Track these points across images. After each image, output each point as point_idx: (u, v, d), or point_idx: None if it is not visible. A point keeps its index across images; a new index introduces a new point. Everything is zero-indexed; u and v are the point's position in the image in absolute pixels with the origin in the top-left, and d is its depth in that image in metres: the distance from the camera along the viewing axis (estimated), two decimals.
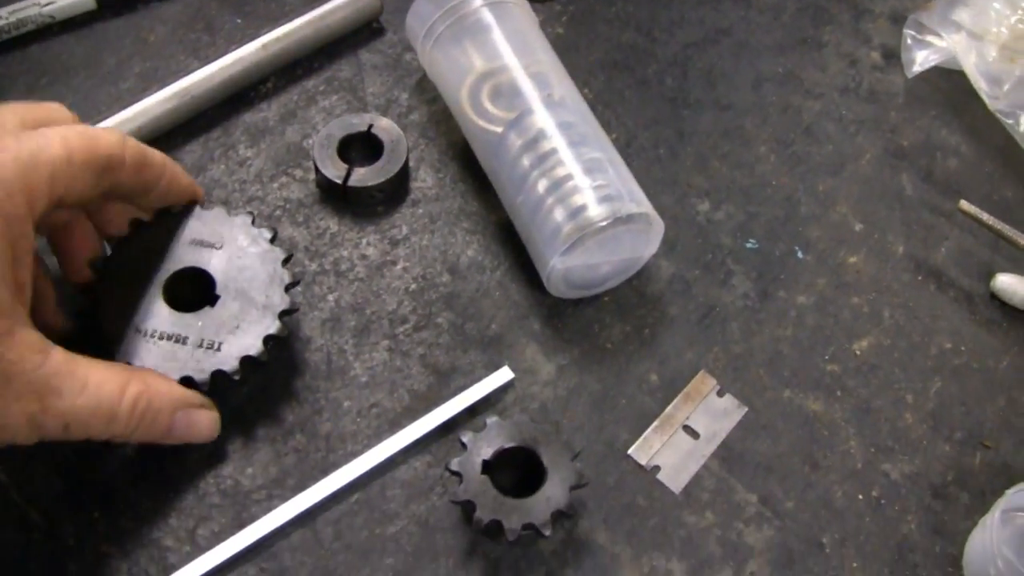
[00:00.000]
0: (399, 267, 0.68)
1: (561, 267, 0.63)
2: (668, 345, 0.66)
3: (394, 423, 0.62)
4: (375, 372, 0.64)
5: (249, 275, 0.60)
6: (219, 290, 0.59)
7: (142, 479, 0.58)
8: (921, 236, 0.73)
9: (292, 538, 0.57)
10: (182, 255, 0.60)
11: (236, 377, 0.57)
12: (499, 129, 0.67)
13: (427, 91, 0.75)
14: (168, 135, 0.71)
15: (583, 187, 0.63)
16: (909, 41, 0.81)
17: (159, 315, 0.58)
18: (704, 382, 0.65)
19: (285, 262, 0.60)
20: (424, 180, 0.72)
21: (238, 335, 0.58)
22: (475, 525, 0.56)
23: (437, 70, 0.71)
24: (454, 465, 0.57)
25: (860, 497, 0.62)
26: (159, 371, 0.55)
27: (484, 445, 0.58)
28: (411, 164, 0.72)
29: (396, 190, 0.70)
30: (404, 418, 0.62)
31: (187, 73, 0.73)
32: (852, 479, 0.63)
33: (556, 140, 0.65)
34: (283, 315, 0.59)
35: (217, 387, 0.57)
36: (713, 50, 0.81)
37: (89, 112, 0.71)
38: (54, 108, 0.55)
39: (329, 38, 0.77)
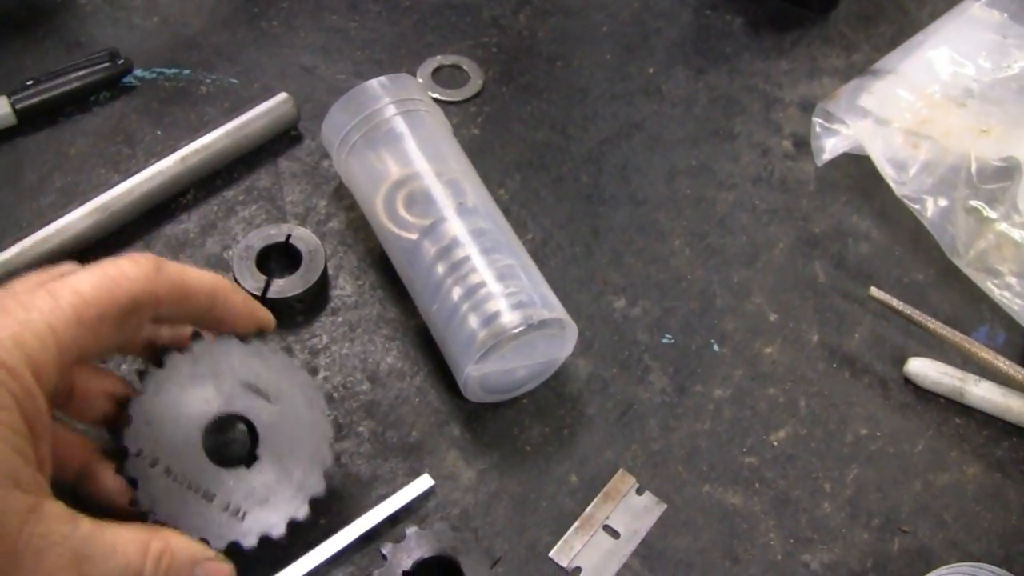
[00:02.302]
0: (320, 377, 0.68)
1: (477, 374, 0.64)
2: (587, 445, 0.67)
3: (317, 535, 0.62)
4: None
5: (294, 444, 0.57)
6: (260, 450, 0.56)
7: None
8: (835, 323, 0.74)
9: None
10: (232, 397, 0.56)
11: (250, 554, 0.54)
12: (414, 236, 0.68)
13: (345, 198, 0.76)
14: (90, 249, 0.72)
15: (496, 294, 0.64)
16: (818, 129, 0.83)
17: (193, 462, 0.54)
18: (623, 480, 0.66)
19: (332, 442, 0.59)
20: (343, 288, 0.72)
21: (265, 509, 0.55)
22: None
23: (353, 178, 0.73)
24: None
25: None
26: (180, 524, 0.53)
27: (404, 556, 0.59)
28: (330, 272, 0.73)
29: (315, 299, 0.71)
30: (327, 530, 0.62)
31: (108, 187, 0.73)
32: (772, 571, 0.63)
33: (469, 247, 0.66)
34: (313, 502, 0.57)
35: (225, 552, 0.54)
36: (627, 145, 0.83)
37: (10, 228, 0.71)
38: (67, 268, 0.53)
39: (247, 148, 0.78)
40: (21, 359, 0.46)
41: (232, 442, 0.57)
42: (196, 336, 0.57)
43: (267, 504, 0.55)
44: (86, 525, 0.48)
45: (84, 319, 0.49)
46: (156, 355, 0.56)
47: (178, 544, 0.52)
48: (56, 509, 0.47)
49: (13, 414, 0.46)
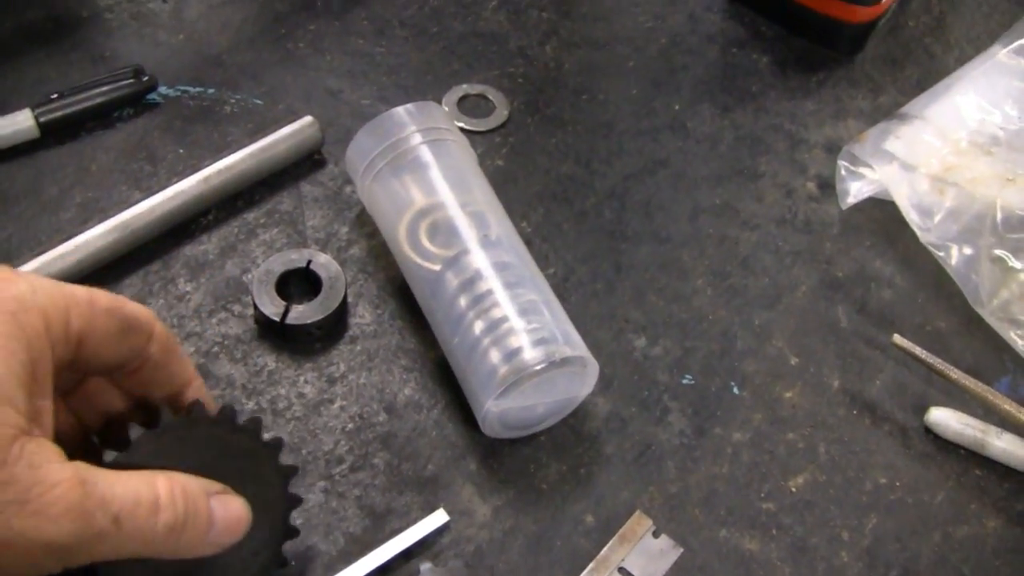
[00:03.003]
0: (336, 406, 0.68)
1: (496, 410, 0.63)
2: (604, 485, 0.66)
3: (329, 567, 0.61)
4: (311, 514, 0.63)
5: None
6: None
7: None
8: (856, 369, 0.74)
9: None
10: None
11: None
12: (437, 267, 0.67)
13: (367, 224, 0.76)
14: (108, 268, 0.71)
15: (518, 329, 0.63)
16: (843, 172, 0.82)
17: None
18: (640, 522, 0.65)
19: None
20: (362, 316, 0.72)
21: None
22: None
23: (376, 205, 0.72)
24: None
25: None
26: None
27: None
28: (350, 300, 0.72)
29: (334, 327, 0.71)
30: (339, 562, 0.61)
31: (128, 205, 0.73)
32: None
33: (492, 281, 0.65)
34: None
35: None
36: (651, 181, 0.82)
37: (29, 243, 0.71)
38: None
39: (271, 170, 0.77)
40: (36, 306, 0.45)
41: None
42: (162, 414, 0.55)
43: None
44: (82, 462, 0.46)
45: (95, 303, 0.49)
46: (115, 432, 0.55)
47: (186, 478, 0.49)
48: (54, 446, 0.45)
49: (20, 344, 0.44)
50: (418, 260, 0.68)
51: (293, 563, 0.60)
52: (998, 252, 0.78)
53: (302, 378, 0.68)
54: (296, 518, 0.60)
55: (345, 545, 0.62)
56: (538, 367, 0.62)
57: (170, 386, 0.54)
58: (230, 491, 0.52)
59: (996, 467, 0.70)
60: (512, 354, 0.62)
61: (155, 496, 0.47)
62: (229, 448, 0.54)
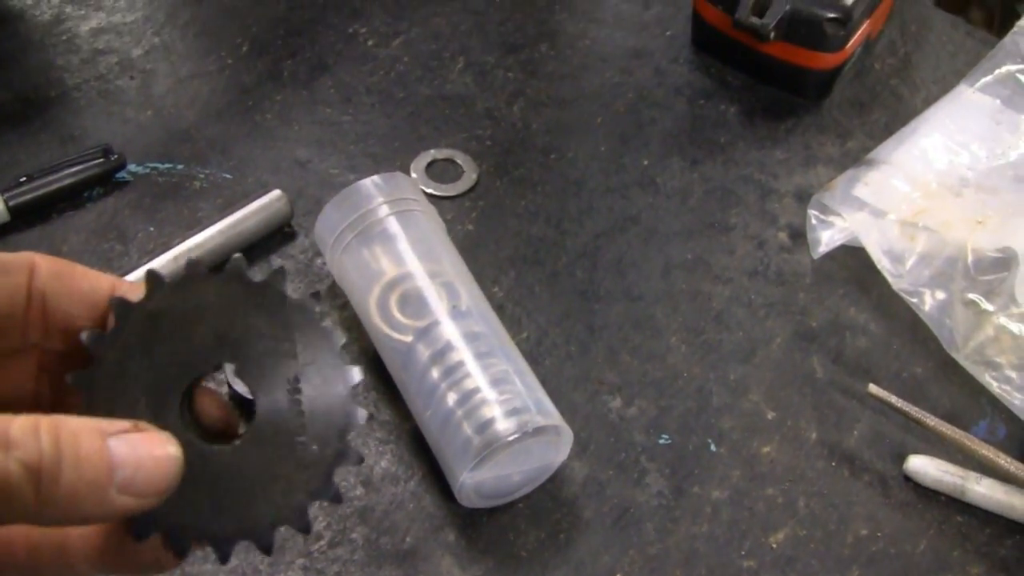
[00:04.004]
0: None
1: (471, 481, 0.63)
2: (584, 550, 0.66)
3: None
4: None
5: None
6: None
7: None
8: (833, 420, 0.74)
9: None
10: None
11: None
12: (408, 339, 0.67)
13: (338, 296, 0.76)
14: None
15: (491, 400, 0.63)
16: (813, 221, 0.83)
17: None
18: None
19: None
20: None
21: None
22: None
23: (346, 277, 0.72)
24: None
25: None
26: None
27: None
28: None
29: None
30: None
31: None
32: None
33: (463, 352, 0.65)
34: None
35: None
36: (622, 238, 0.83)
37: None
38: None
39: (241, 245, 0.77)
40: None
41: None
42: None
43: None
44: None
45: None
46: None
47: (76, 420, 0.39)
48: None
49: None
50: (389, 332, 0.68)
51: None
52: (971, 296, 0.78)
53: None
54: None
55: None
56: (511, 438, 0.62)
57: (87, 306, 0.45)
58: (149, 427, 0.40)
59: (977, 512, 0.70)
60: (485, 425, 0.62)
61: (3, 430, 0.37)
62: (243, 313, 0.42)
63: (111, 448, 0.38)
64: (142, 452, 0.39)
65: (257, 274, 0.43)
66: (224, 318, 0.42)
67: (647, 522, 0.68)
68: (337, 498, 0.42)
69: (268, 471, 0.41)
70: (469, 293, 0.69)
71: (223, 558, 0.41)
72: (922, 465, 0.71)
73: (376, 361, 0.72)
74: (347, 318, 0.75)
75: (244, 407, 0.46)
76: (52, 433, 0.37)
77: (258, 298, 0.42)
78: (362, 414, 0.43)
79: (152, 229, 0.79)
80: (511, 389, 0.64)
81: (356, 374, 0.44)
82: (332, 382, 0.43)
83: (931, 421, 0.71)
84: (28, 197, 0.79)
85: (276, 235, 0.80)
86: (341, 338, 0.44)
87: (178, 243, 0.76)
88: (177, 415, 0.41)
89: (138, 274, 0.73)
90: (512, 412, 0.63)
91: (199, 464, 0.40)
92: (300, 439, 0.42)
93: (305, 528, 0.42)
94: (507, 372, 0.65)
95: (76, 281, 0.45)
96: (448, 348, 0.66)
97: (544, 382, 0.67)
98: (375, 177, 0.73)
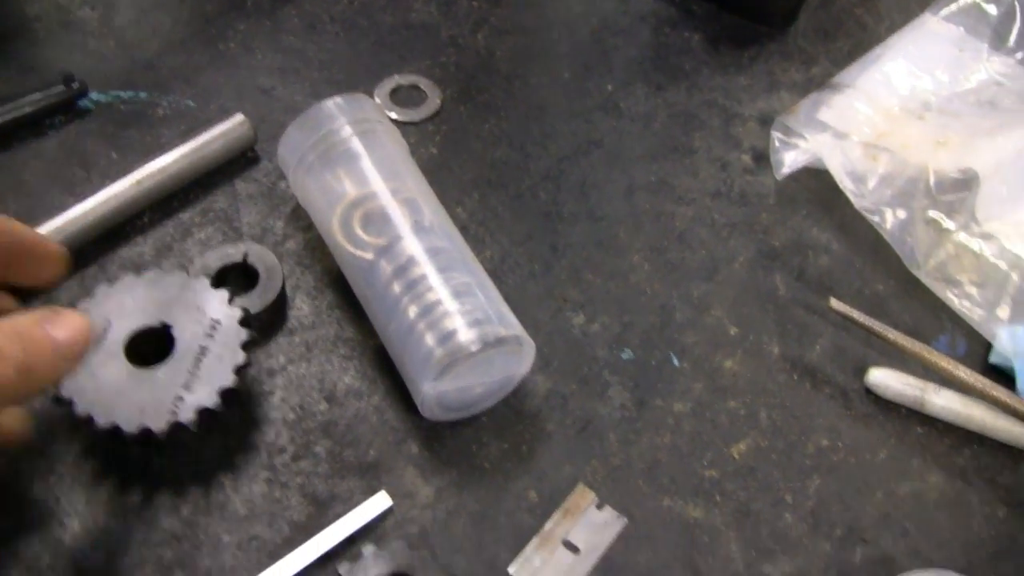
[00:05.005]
0: (277, 397, 0.68)
1: (433, 392, 0.63)
2: (546, 461, 0.67)
3: (273, 555, 0.61)
4: (254, 504, 0.63)
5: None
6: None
7: None
8: (795, 335, 0.74)
9: None
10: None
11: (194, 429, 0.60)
12: (370, 256, 0.67)
13: (301, 219, 0.76)
14: None
15: (452, 312, 0.63)
16: (777, 144, 0.83)
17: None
18: (583, 496, 0.65)
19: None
20: (300, 308, 0.72)
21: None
22: None
23: (309, 198, 0.72)
24: None
25: None
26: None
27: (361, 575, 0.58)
28: (287, 293, 0.72)
29: (273, 319, 0.71)
30: (284, 549, 0.61)
31: (62, 211, 0.73)
32: None
33: (426, 266, 0.65)
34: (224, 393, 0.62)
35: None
36: (586, 161, 0.83)
37: None
38: None
39: (204, 170, 0.77)
40: None
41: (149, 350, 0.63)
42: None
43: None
44: None
45: None
46: None
47: (21, 319, 0.51)
48: None
49: None
50: (352, 250, 0.68)
51: None
52: (932, 214, 0.79)
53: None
54: (240, 507, 0.60)
55: (289, 533, 0.62)
56: (473, 348, 0.62)
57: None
58: (58, 309, 0.53)
59: (936, 424, 0.71)
60: (447, 336, 0.63)
61: None
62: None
63: (48, 331, 0.52)
64: (66, 329, 0.52)
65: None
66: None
67: (610, 433, 0.69)
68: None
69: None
70: (432, 210, 0.70)
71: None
72: (883, 377, 0.72)
73: (340, 281, 0.72)
74: (310, 240, 0.75)
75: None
76: (20, 337, 0.49)
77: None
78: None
79: (114, 155, 0.79)
80: (473, 301, 0.64)
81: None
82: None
83: (891, 335, 0.72)
84: None
85: (239, 160, 0.80)
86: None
87: (140, 168, 0.75)
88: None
89: (95, 199, 0.73)
90: (474, 323, 0.63)
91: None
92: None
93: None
94: (469, 285, 0.65)
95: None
96: (410, 263, 0.66)
97: (508, 299, 0.67)
98: (337, 98, 0.73)
